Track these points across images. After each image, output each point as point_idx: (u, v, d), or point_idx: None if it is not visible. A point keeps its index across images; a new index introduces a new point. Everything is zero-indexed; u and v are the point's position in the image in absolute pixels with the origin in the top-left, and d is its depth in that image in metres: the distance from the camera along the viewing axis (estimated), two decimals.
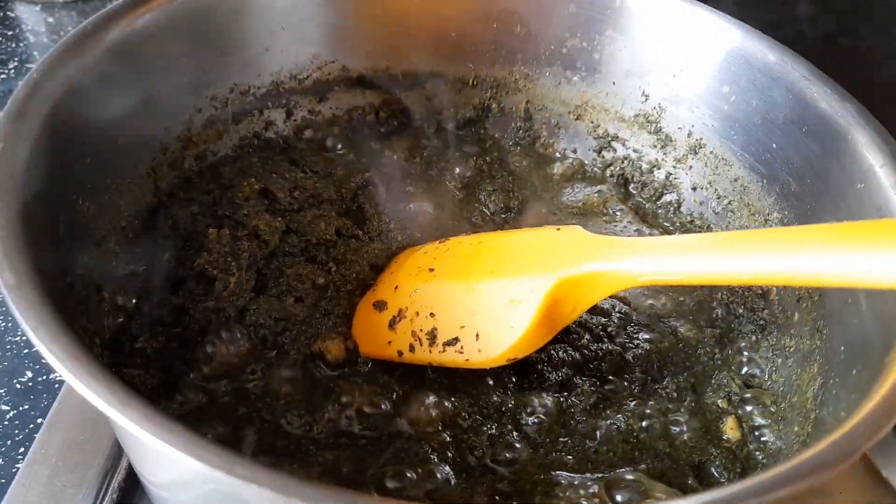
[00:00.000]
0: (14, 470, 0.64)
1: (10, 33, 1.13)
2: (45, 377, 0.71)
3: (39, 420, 0.67)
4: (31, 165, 0.44)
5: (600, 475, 0.53)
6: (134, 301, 0.58)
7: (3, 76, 1.06)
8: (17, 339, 0.74)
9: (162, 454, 0.33)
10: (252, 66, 0.69)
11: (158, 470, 0.45)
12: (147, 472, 0.49)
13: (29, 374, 0.72)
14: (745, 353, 0.64)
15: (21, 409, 0.69)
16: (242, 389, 0.55)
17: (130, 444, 0.46)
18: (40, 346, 0.35)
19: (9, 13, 1.17)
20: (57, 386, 0.70)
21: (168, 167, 0.65)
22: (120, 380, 0.35)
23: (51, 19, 1.17)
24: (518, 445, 0.55)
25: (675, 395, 0.60)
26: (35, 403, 0.69)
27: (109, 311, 0.55)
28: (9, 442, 0.66)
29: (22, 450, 0.66)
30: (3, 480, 0.63)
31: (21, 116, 0.45)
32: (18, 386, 0.70)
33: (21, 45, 1.12)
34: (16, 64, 1.08)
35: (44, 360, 0.71)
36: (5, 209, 0.40)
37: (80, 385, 0.34)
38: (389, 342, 0.57)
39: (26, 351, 0.73)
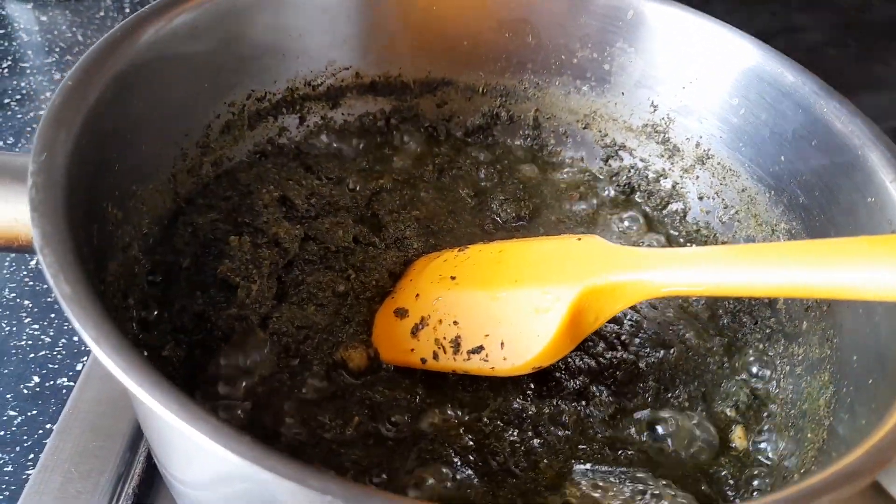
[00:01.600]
0: (25, 476, 0.63)
1: (2, 32, 1.11)
2: (52, 382, 0.71)
3: (48, 425, 0.67)
4: (70, 173, 0.43)
5: (623, 473, 0.54)
6: (157, 308, 0.57)
7: None
8: (23, 343, 0.73)
9: (207, 451, 0.33)
10: (269, 72, 0.69)
11: (193, 467, 0.45)
12: (177, 471, 0.49)
13: (36, 378, 0.71)
14: (753, 361, 0.65)
15: (29, 414, 0.68)
16: (268, 398, 0.55)
17: (166, 442, 0.46)
18: (99, 354, 0.35)
19: (0, 11, 1.15)
20: (65, 391, 0.70)
21: (187, 173, 0.64)
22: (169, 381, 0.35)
23: (44, 18, 1.16)
24: (539, 452, 0.56)
25: (686, 404, 0.61)
26: (43, 409, 0.69)
27: (134, 319, 0.55)
28: (17, 448, 0.66)
29: (31, 456, 0.65)
30: (14, 487, 0.63)
31: (59, 124, 0.45)
32: (25, 391, 0.70)
33: (14, 44, 1.10)
34: (9, 63, 1.06)
35: (51, 366, 0.72)
36: (54, 218, 0.39)
37: (137, 387, 0.34)
38: (412, 350, 0.58)
39: (32, 355, 0.73)
